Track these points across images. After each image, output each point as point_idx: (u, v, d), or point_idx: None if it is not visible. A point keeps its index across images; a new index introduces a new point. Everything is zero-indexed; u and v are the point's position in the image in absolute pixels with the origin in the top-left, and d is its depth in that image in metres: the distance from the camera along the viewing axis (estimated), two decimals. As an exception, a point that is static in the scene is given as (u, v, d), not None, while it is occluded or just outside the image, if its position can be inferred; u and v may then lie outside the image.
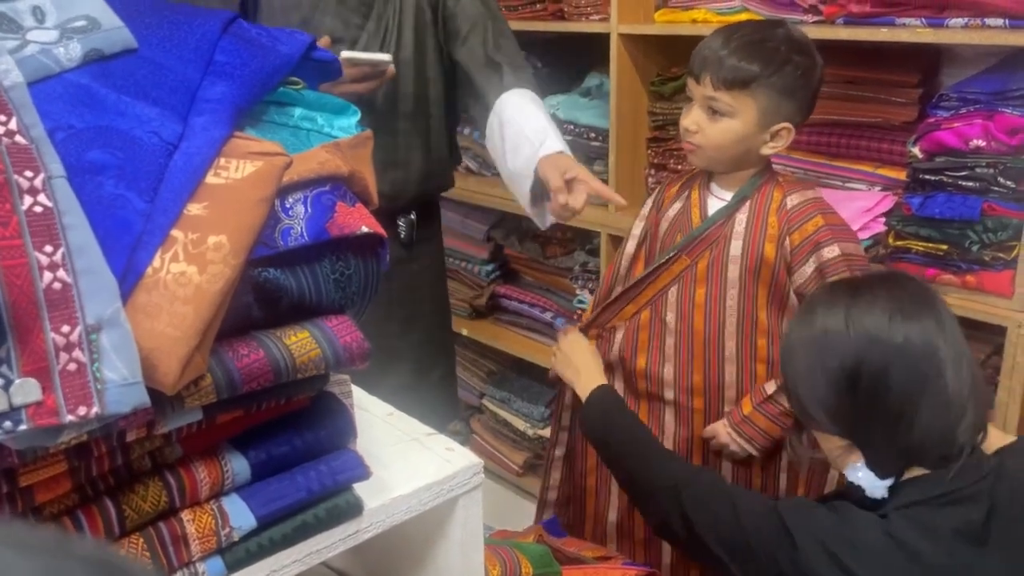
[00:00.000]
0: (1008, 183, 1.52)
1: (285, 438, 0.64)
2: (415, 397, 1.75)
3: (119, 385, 0.48)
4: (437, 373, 1.86)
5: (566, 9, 2.22)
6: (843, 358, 1.01)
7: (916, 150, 1.62)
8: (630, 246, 1.56)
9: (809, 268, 1.38)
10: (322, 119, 0.68)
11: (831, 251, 1.37)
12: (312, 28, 1.49)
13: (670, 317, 1.46)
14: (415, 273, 1.77)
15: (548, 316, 2.48)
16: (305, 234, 0.60)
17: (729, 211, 1.44)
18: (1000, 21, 1.51)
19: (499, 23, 1.64)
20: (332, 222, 0.61)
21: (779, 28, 1.39)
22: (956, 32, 1.54)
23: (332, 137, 0.67)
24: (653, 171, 2.16)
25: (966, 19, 1.55)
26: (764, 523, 1.06)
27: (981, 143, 1.53)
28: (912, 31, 1.58)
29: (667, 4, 2.04)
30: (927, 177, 1.62)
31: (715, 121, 1.37)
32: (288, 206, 0.60)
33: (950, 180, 1.58)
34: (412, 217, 1.72)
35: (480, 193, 2.47)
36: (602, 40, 2.08)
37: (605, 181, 2.19)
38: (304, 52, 0.68)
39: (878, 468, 1.03)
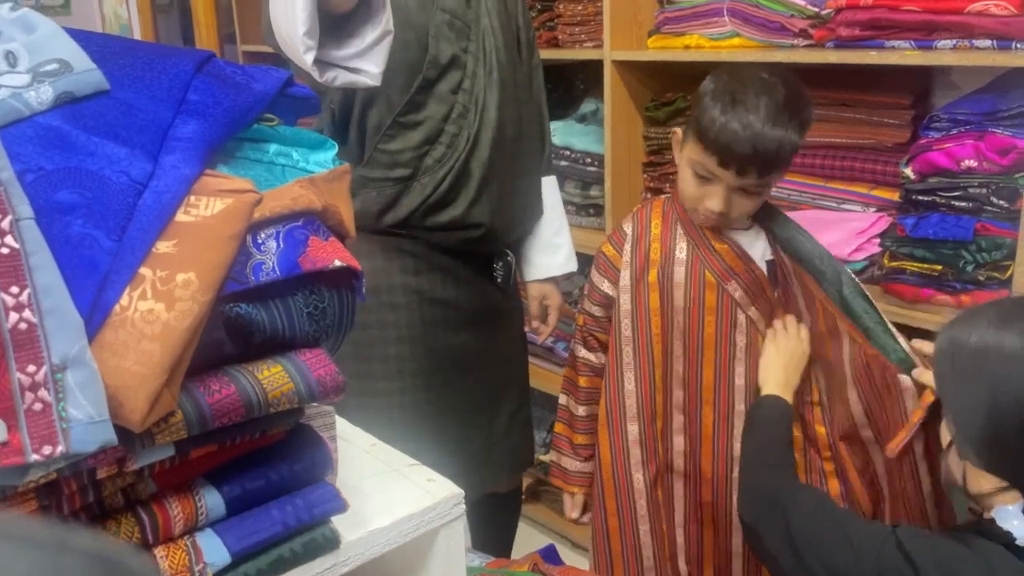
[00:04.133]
0: (1001, 203, 1.52)
1: (261, 472, 0.64)
2: (504, 443, 1.76)
3: (85, 424, 0.49)
4: (523, 415, 1.83)
5: (560, 36, 2.25)
6: None
7: (908, 171, 1.62)
8: (625, 301, 1.46)
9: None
10: (298, 154, 0.69)
11: None
12: (434, 56, 1.47)
13: (707, 354, 1.42)
14: (508, 312, 1.74)
15: (549, 341, 2.47)
16: (277, 269, 0.60)
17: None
18: (988, 42, 1.52)
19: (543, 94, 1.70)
20: (305, 257, 0.62)
21: (786, 85, 1.29)
22: (945, 54, 1.55)
23: (308, 172, 0.67)
24: (649, 195, 2.17)
25: (955, 41, 1.55)
26: (879, 547, 0.97)
27: (973, 163, 1.53)
28: (901, 54, 1.59)
29: (660, 30, 2.05)
30: (920, 198, 1.62)
31: (747, 199, 1.33)
32: (260, 241, 0.61)
33: (943, 201, 1.58)
34: (510, 259, 1.67)
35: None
36: (597, 66, 2.10)
37: (601, 206, 2.20)
38: (280, 89, 0.69)
39: None
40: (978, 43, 1.53)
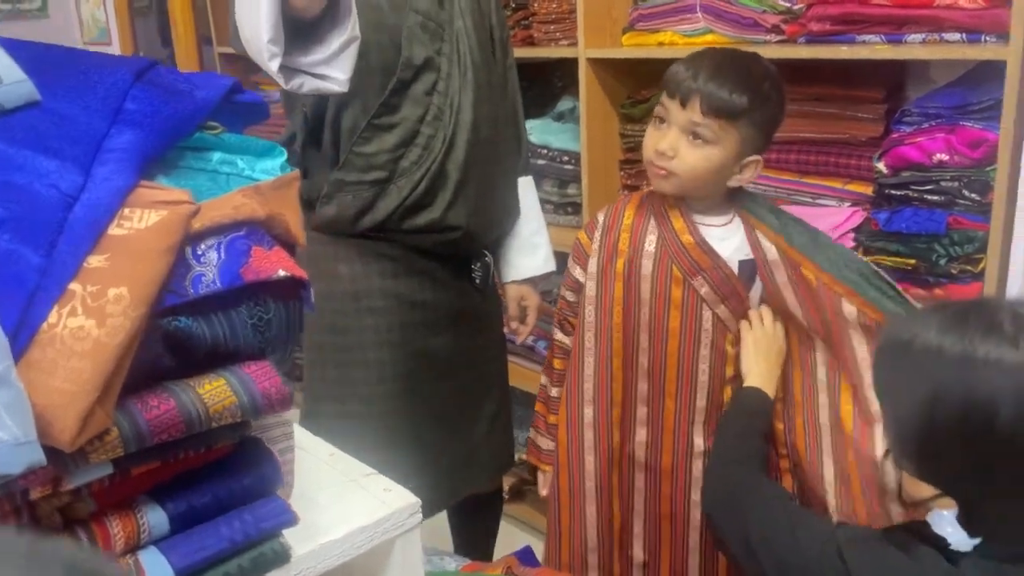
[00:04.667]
0: (973, 196, 1.52)
1: (207, 487, 0.63)
2: (485, 445, 1.75)
3: (11, 445, 0.48)
4: (504, 417, 1.82)
5: (536, 35, 2.23)
6: (991, 401, 0.82)
7: (881, 165, 1.62)
8: (590, 288, 1.48)
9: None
10: (243, 162, 0.67)
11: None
12: (408, 57, 1.47)
13: (671, 352, 1.42)
14: (488, 316, 1.73)
15: (530, 340, 2.47)
16: (218, 281, 0.59)
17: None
18: (958, 36, 1.51)
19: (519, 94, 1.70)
20: (247, 267, 0.61)
21: (759, 62, 1.37)
22: (914, 48, 1.55)
23: (253, 180, 0.66)
24: (626, 192, 2.16)
25: (924, 35, 1.55)
26: (820, 548, 0.95)
27: (944, 157, 1.53)
28: (871, 48, 1.59)
29: (634, 27, 2.04)
30: (893, 192, 1.61)
31: (695, 147, 1.33)
32: (200, 253, 0.60)
33: (916, 195, 1.58)
34: (488, 260, 1.66)
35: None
36: (574, 64, 2.09)
37: (579, 205, 2.20)
38: (224, 96, 0.68)
39: (977, 529, 0.89)
40: (948, 36, 1.52)
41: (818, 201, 1.84)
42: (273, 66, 1.12)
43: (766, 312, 1.41)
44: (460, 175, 1.51)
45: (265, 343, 0.63)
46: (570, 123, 2.30)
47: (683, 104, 1.32)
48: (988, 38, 1.48)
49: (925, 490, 0.93)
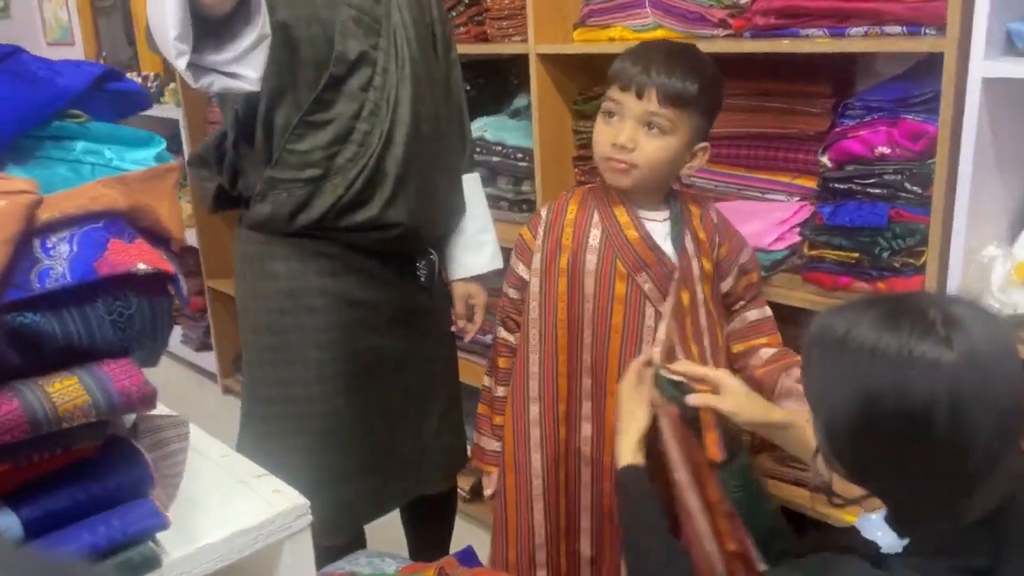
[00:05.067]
0: (915, 188, 1.51)
1: (68, 492, 0.60)
2: (435, 444, 1.72)
3: None
4: (455, 416, 1.80)
5: (489, 31, 2.21)
6: (928, 403, 0.81)
7: (825, 159, 1.61)
8: (534, 284, 1.47)
9: (736, 270, 1.48)
10: (111, 152, 0.65)
11: (747, 251, 1.50)
12: (341, 52, 1.44)
13: (612, 351, 1.41)
14: (435, 314, 1.70)
15: (488, 339, 2.45)
16: (68, 275, 0.57)
17: (669, 231, 1.42)
18: (898, 28, 1.51)
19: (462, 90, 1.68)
20: (102, 261, 0.58)
21: (699, 51, 1.40)
22: (856, 41, 1.54)
23: (121, 170, 0.64)
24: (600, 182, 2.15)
25: (866, 28, 1.54)
26: None
27: (886, 150, 1.52)
28: (813, 42, 1.58)
29: (585, 23, 2.03)
30: (837, 186, 1.60)
31: (653, 138, 1.34)
32: (50, 246, 0.57)
33: (859, 188, 1.57)
34: (433, 258, 1.63)
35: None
36: (527, 61, 2.07)
37: (534, 201, 2.18)
38: (93, 84, 0.65)
39: (906, 529, 0.89)
40: (889, 29, 1.51)
41: (767, 196, 1.83)
42: (181, 64, 1.10)
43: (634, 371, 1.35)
44: (399, 172, 1.48)
45: (127, 340, 0.60)
46: (525, 120, 2.28)
47: (639, 96, 1.33)
48: (927, 30, 1.47)
49: (856, 489, 0.92)
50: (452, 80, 1.66)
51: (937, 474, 0.84)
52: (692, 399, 1.24)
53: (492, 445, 1.59)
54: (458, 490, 2.49)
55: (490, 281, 1.81)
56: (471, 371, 2.40)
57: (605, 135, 1.36)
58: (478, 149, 2.25)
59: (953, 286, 1.44)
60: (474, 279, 1.73)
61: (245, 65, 1.16)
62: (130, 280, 0.60)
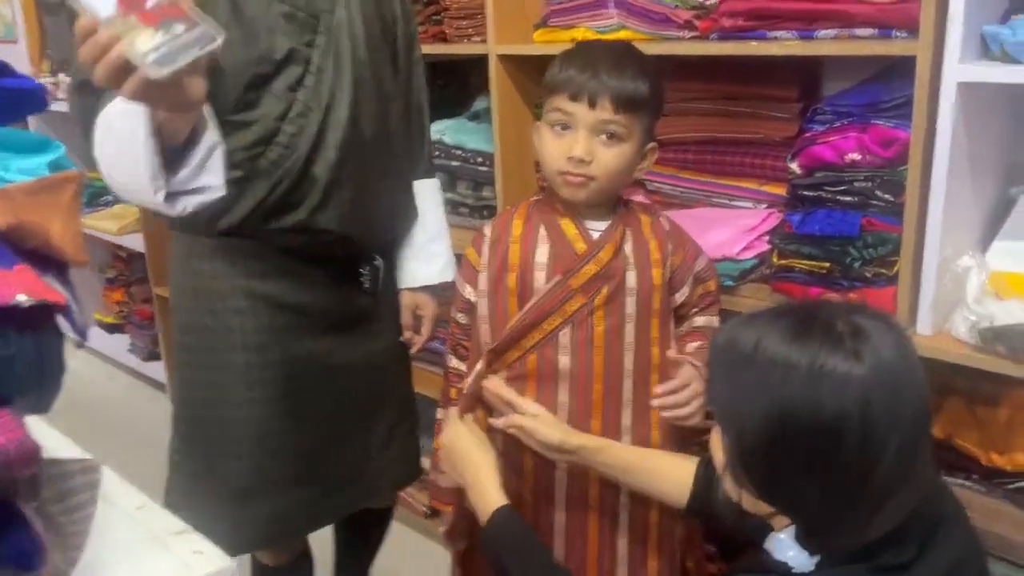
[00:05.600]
0: (886, 196, 1.47)
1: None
2: (382, 456, 1.65)
3: None
4: (405, 427, 1.72)
5: (447, 31, 2.14)
6: (839, 417, 0.81)
7: (794, 166, 1.56)
8: (483, 307, 1.40)
9: (690, 278, 1.41)
10: None
11: (702, 259, 1.43)
12: (267, 50, 1.35)
13: (564, 361, 1.33)
14: (381, 321, 1.62)
15: (440, 346, 2.37)
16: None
17: (619, 241, 1.34)
18: (869, 31, 1.47)
19: (424, 82, 1.62)
20: (-17, 289, 0.50)
21: (637, 49, 1.34)
22: (825, 43, 1.50)
23: (4, 181, 0.55)
24: (543, 195, 2.08)
25: (835, 30, 1.50)
26: None
27: (857, 156, 1.48)
28: (781, 44, 1.53)
29: (547, 23, 1.97)
30: (806, 193, 1.56)
31: (610, 146, 1.27)
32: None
33: (829, 195, 1.53)
34: (377, 264, 1.56)
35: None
36: (487, 62, 2.00)
37: (495, 207, 2.11)
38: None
39: (816, 546, 0.88)
40: (858, 32, 1.47)
41: (734, 203, 1.79)
42: (160, 198, 1.07)
43: (452, 420, 1.36)
44: (331, 176, 1.40)
45: (6, 386, 0.51)
46: (485, 123, 2.21)
47: (592, 104, 1.25)
48: (899, 33, 1.43)
49: (765, 507, 0.91)
50: (414, 82, 1.59)
51: (847, 488, 0.83)
52: (495, 422, 1.30)
53: (448, 482, 1.51)
54: (418, 506, 2.41)
55: (445, 291, 1.73)
56: (424, 379, 2.33)
57: (557, 148, 1.28)
58: (437, 153, 2.17)
59: (927, 296, 1.40)
60: (423, 289, 1.66)
61: (206, 175, 1.11)
62: (9, 314, 0.51)
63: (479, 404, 1.38)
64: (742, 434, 0.87)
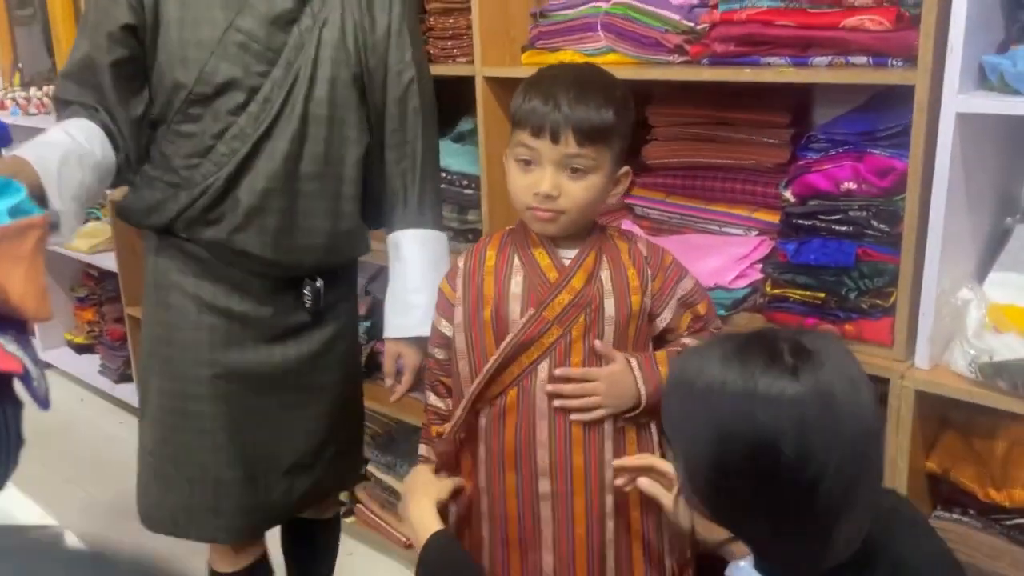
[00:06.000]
0: (882, 226, 1.44)
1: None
2: (311, 472, 1.67)
3: None
4: (343, 439, 1.74)
5: (433, 51, 2.11)
6: (775, 434, 0.81)
7: (788, 194, 1.54)
8: (459, 341, 1.36)
9: (673, 303, 1.36)
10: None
11: (687, 282, 1.37)
12: (208, 74, 1.42)
13: (541, 395, 1.30)
14: (325, 341, 1.63)
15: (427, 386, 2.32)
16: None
17: (592, 268, 1.31)
18: (864, 59, 1.45)
19: (429, 130, 1.62)
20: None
21: (603, 70, 1.31)
22: (820, 71, 1.47)
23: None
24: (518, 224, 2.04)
25: (830, 57, 1.48)
26: None
27: (852, 185, 1.46)
28: (776, 71, 1.51)
29: (534, 46, 1.93)
30: (801, 222, 1.53)
31: (577, 180, 1.24)
32: None
33: (824, 225, 1.50)
34: (318, 285, 1.58)
35: (353, 246, 2.31)
36: (473, 83, 1.96)
37: (480, 231, 2.07)
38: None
39: (771, 571, 0.88)
40: (854, 60, 1.45)
41: (724, 229, 1.76)
42: None
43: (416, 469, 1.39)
44: (254, 202, 1.46)
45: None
46: (471, 144, 2.17)
47: (554, 140, 1.22)
48: (895, 62, 1.41)
49: (718, 532, 0.91)
50: (408, 132, 1.60)
51: (791, 509, 0.83)
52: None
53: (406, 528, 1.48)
54: (400, 536, 2.35)
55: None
56: (410, 406, 2.28)
57: (524, 183, 1.25)
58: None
59: (925, 329, 1.38)
60: (408, 340, 1.62)
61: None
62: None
63: (451, 460, 1.38)
64: (688, 457, 0.88)
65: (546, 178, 1.23)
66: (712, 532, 0.92)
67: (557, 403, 1.29)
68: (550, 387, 1.29)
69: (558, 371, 1.28)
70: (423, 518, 1.26)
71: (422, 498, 1.29)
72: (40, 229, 0.51)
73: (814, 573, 0.86)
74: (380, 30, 1.54)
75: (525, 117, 1.24)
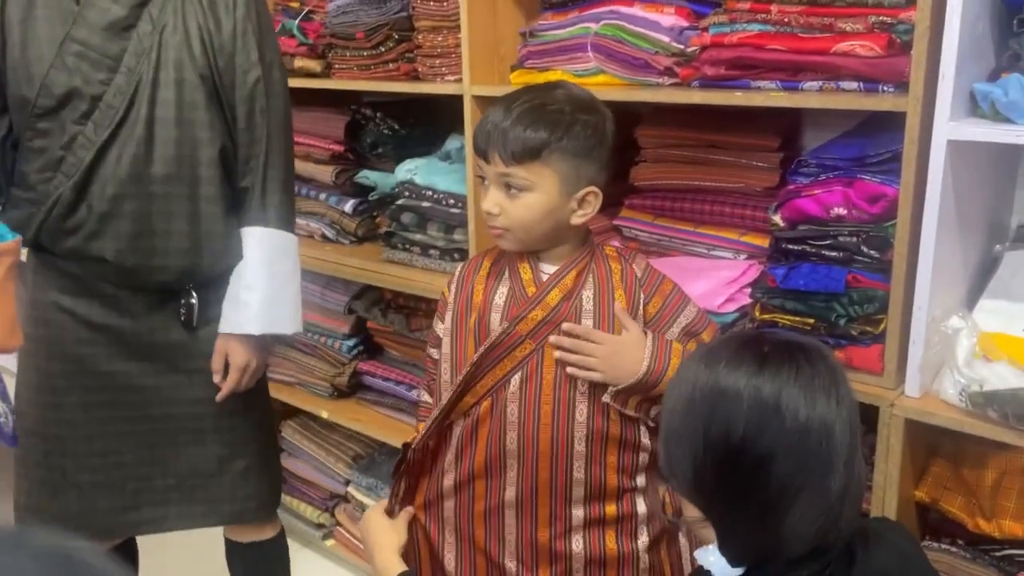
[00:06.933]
0: (872, 252, 1.43)
1: None
2: (204, 494, 1.69)
3: None
4: (240, 465, 1.72)
5: (420, 69, 2.09)
6: (731, 426, 0.88)
7: (777, 218, 1.53)
8: (446, 344, 1.39)
9: (675, 330, 1.35)
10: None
11: (690, 310, 1.37)
12: (48, 86, 1.46)
13: (512, 408, 1.30)
14: (203, 356, 1.63)
15: (415, 394, 2.29)
16: None
17: (571, 287, 1.30)
18: (854, 84, 1.44)
19: (278, 129, 1.61)
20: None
21: (558, 89, 1.31)
22: (811, 96, 1.47)
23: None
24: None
25: (820, 83, 1.47)
26: None
27: (842, 211, 1.45)
28: (767, 95, 1.50)
29: (523, 65, 1.92)
30: (790, 247, 1.52)
31: (515, 198, 1.26)
32: None
33: (813, 250, 1.49)
34: (193, 301, 1.60)
35: (339, 263, 2.29)
36: (461, 102, 1.95)
37: (466, 250, 2.04)
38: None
39: (731, 554, 0.93)
40: (844, 85, 1.45)
41: (713, 252, 1.75)
42: None
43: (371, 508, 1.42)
44: (106, 208, 1.49)
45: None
46: (458, 163, 2.15)
47: (487, 159, 1.26)
48: (886, 87, 1.40)
49: (691, 511, 0.96)
50: (255, 131, 1.59)
51: (748, 494, 0.89)
52: None
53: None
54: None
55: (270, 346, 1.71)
56: (389, 426, 2.26)
57: (481, 201, 1.31)
58: (407, 193, 2.11)
59: (915, 357, 1.37)
60: (239, 337, 1.61)
61: None
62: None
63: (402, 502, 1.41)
64: (675, 447, 0.94)
65: (488, 196, 1.28)
66: (689, 511, 0.97)
67: (556, 355, 1.29)
68: (552, 338, 1.29)
69: (565, 325, 1.29)
70: (388, 569, 1.31)
71: (384, 549, 1.34)
72: (12, 255, 0.48)
73: (775, 558, 0.91)
74: (226, 32, 1.55)
75: (474, 138, 1.30)
